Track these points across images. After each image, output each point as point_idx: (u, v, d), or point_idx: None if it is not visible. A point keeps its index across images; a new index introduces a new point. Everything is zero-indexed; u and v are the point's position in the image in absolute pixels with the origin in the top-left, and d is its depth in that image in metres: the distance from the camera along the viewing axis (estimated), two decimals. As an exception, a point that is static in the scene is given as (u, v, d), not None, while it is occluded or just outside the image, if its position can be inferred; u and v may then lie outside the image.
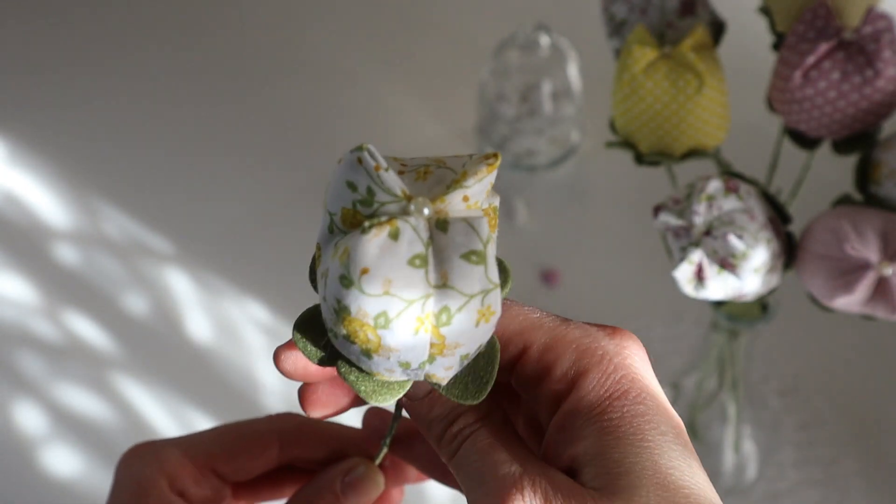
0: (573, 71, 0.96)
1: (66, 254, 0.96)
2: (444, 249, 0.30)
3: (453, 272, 0.30)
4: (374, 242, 0.30)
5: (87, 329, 0.91)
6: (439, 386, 0.34)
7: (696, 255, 0.53)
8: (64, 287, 0.93)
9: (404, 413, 0.38)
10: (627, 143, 0.61)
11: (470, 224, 0.31)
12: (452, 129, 1.03)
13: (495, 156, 0.32)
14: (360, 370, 0.34)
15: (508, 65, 0.96)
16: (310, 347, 0.34)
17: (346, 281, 0.30)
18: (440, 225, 0.31)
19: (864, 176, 0.57)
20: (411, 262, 0.30)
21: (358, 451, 0.45)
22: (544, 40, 0.95)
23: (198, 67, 1.09)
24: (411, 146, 1.02)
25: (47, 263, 0.95)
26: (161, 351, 0.90)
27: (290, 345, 0.35)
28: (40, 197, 0.99)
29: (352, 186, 0.32)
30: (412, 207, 0.31)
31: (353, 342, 0.32)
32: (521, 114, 0.96)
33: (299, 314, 0.35)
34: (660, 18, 0.60)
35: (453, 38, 1.10)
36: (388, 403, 0.35)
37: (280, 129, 1.04)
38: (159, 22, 1.13)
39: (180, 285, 0.94)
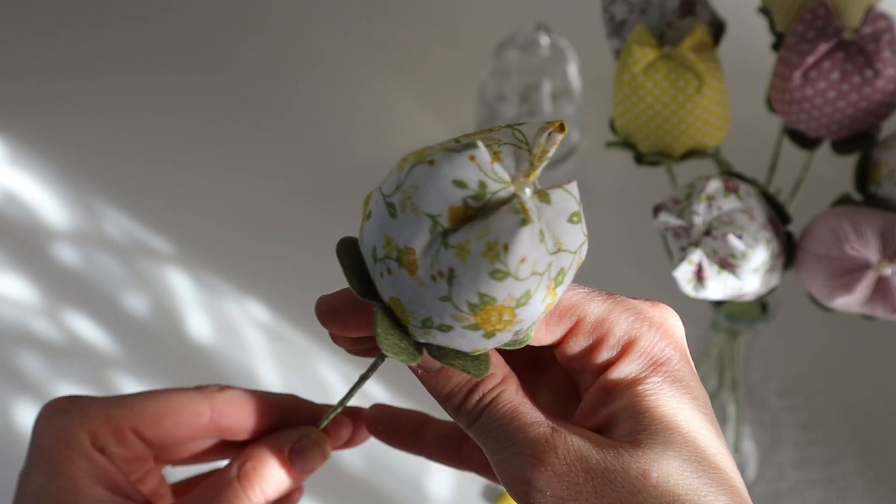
0: (573, 71, 0.96)
1: (67, 254, 0.96)
2: (552, 219, 0.33)
3: (564, 236, 0.33)
4: (527, 231, 0.31)
5: (87, 329, 0.91)
6: (517, 343, 0.36)
7: (696, 255, 0.53)
8: (64, 287, 0.94)
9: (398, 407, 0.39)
10: (627, 144, 0.61)
11: (566, 190, 0.34)
12: (452, 130, 1.03)
13: (560, 125, 0.33)
14: (390, 323, 0.35)
15: (508, 65, 0.96)
16: (354, 281, 0.37)
17: (501, 273, 0.31)
18: (542, 198, 0.33)
19: (864, 176, 0.58)
20: (539, 238, 0.32)
21: (296, 422, 0.44)
22: (544, 40, 0.95)
23: (198, 68, 1.09)
24: (411, 146, 1.02)
25: (47, 263, 0.95)
26: (161, 351, 0.90)
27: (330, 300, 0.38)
28: (41, 197, 1.00)
29: (461, 184, 0.32)
30: (523, 190, 0.33)
31: (477, 329, 0.33)
32: (520, 114, 0.96)
33: (339, 242, 0.38)
34: (660, 18, 0.60)
35: (453, 38, 1.10)
36: (400, 361, 0.36)
37: (280, 129, 1.04)
38: (160, 22, 1.13)
39: (180, 285, 0.94)
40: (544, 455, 0.34)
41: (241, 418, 0.42)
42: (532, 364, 0.41)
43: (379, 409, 0.46)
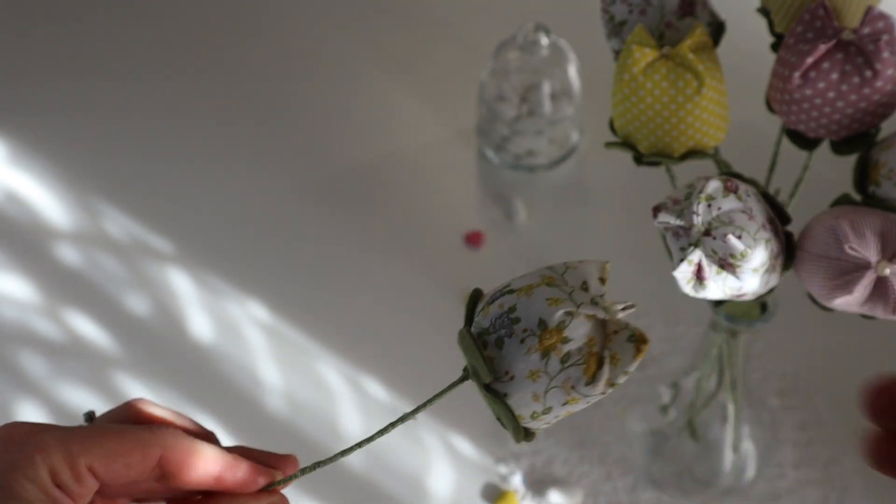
0: (573, 71, 0.96)
1: (68, 253, 0.96)
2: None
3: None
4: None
5: (88, 328, 0.91)
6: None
7: (696, 256, 0.53)
8: (65, 286, 0.94)
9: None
10: (627, 144, 0.61)
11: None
12: (452, 130, 1.03)
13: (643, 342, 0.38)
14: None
15: (508, 65, 0.96)
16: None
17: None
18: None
19: (863, 176, 0.58)
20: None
21: (245, 482, 0.45)
22: (544, 41, 0.95)
23: (198, 68, 1.09)
24: (412, 146, 1.03)
25: (49, 263, 0.95)
26: (162, 350, 0.90)
27: None
28: (42, 197, 1.00)
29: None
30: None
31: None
32: (520, 114, 0.96)
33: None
34: (659, 19, 0.61)
35: (453, 38, 1.10)
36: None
37: (281, 128, 1.04)
38: (159, 22, 1.13)
39: (181, 285, 0.94)
40: None
41: (187, 465, 0.43)
42: None
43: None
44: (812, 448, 0.84)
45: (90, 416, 0.46)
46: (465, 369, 0.41)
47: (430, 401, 0.43)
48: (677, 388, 0.78)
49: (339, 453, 0.45)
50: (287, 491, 0.82)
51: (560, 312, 0.38)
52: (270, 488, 0.46)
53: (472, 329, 0.40)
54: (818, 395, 0.87)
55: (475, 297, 0.42)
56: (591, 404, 0.39)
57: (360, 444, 0.44)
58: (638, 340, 0.38)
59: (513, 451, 0.84)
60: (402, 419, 0.43)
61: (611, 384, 0.38)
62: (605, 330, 0.39)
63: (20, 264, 0.95)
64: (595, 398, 0.39)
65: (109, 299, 0.93)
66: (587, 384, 0.38)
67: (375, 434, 0.43)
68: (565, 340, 0.38)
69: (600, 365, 0.38)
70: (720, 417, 0.76)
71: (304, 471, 0.46)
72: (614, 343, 0.38)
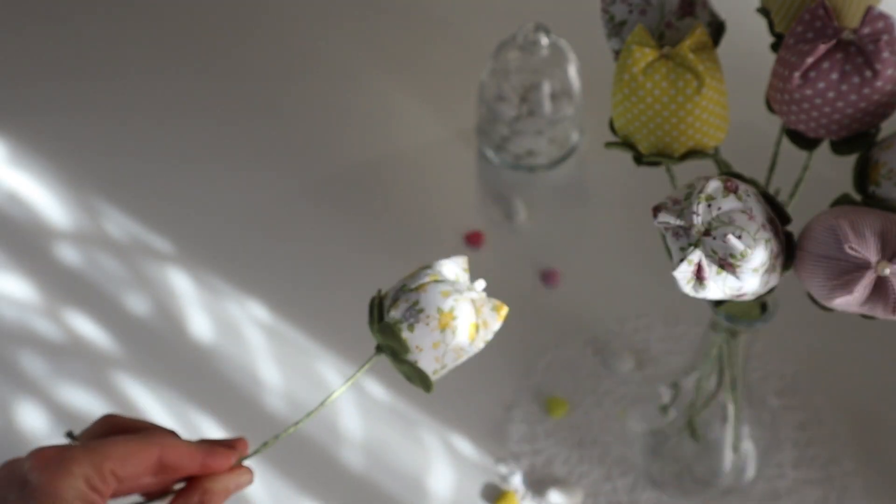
0: (573, 71, 0.96)
1: (68, 253, 0.96)
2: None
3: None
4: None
5: (88, 328, 0.91)
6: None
7: (696, 256, 0.53)
8: (65, 286, 0.94)
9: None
10: (627, 144, 0.61)
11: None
12: (452, 130, 1.03)
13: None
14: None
15: (508, 65, 0.96)
16: None
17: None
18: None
19: (863, 176, 0.58)
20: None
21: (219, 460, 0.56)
22: (544, 41, 0.95)
23: (199, 68, 1.09)
24: (412, 146, 1.03)
25: (49, 263, 0.95)
26: (162, 350, 0.90)
27: None
28: (42, 197, 1.00)
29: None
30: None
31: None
32: (520, 114, 0.96)
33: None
34: (659, 19, 0.61)
35: (453, 39, 1.10)
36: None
37: (281, 128, 1.04)
38: (160, 22, 1.13)
39: (181, 285, 0.94)
40: None
41: (179, 458, 0.54)
42: None
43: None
44: (812, 448, 0.84)
45: (71, 434, 0.56)
46: (377, 347, 0.57)
47: (353, 376, 0.58)
48: (677, 388, 0.78)
49: (292, 425, 0.57)
50: (287, 491, 0.83)
51: (450, 300, 0.55)
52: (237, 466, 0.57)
53: (389, 320, 0.56)
54: (818, 395, 0.87)
55: (381, 297, 0.57)
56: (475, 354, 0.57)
57: (308, 415, 0.57)
58: (497, 309, 0.57)
59: (513, 452, 0.84)
60: (331, 396, 0.57)
61: (485, 341, 0.57)
62: (476, 305, 0.56)
63: (20, 264, 0.95)
64: (476, 351, 0.57)
65: (109, 299, 0.93)
66: (470, 345, 0.56)
67: (318, 405, 0.57)
68: (455, 318, 0.55)
69: (477, 330, 0.56)
70: (720, 417, 0.76)
71: (266, 444, 0.57)
72: (483, 313, 0.56)
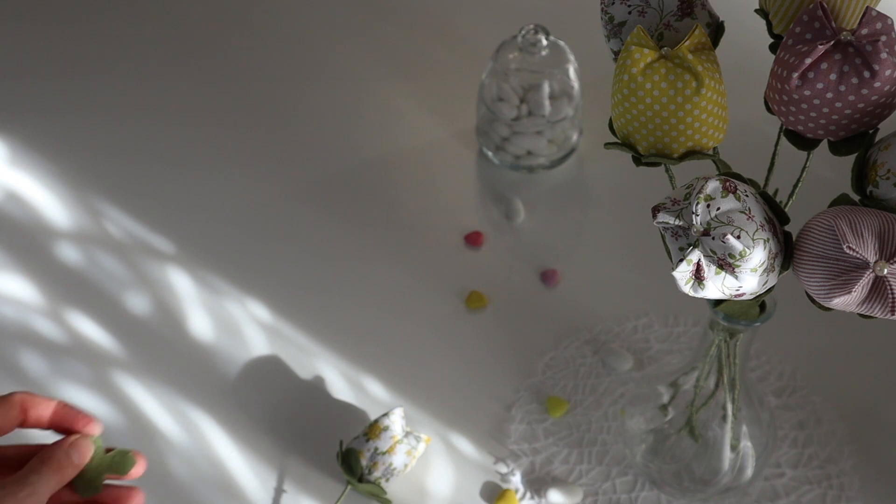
0: (572, 72, 0.96)
1: (68, 253, 0.96)
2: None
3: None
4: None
5: (88, 328, 0.91)
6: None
7: (695, 255, 0.53)
8: (66, 286, 0.94)
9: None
10: (626, 144, 0.61)
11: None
12: (453, 130, 1.04)
13: None
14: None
15: (508, 66, 0.96)
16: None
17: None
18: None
19: (862, 176, 0.58)
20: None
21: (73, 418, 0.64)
22: (544, 42, 0.95)
23: (200, 70, 1.09)
24: (412, 147, 1.03)
25: (49, 263, 0.96)
26: (162, 350, 0.90)
27: None
28: (42, 196, 1.00)
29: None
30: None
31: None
32: (520, 115, 0.96)
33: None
34: (658, 20, 0.61)
35: (453, 39, 1.11)
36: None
37: (281, 129, 1.05)
38: (161, 23, 1.13)
39: (181, 284, 0.94)
40: None
41: (39, 413, 0.63)
42: None
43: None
44: (810, 447, 0.84)
45: None
46: (347, 482, 0.81)
47: None
48: (676, 387, 0.78)
49: None
50: (289, 492, 0.82)
51: (407, 454, 0.81)
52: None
53: (372, 479, 0.79)
54: (816, 395, 0.87)
55: (354, 455, 0.80)
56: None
57: None
58: (426, 440, 0.82)
59: (512, 451, 0.84)
60: None
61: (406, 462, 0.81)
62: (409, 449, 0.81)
63: (20, 264, 0.95)
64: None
65: (109, 299, 0.93)
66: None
67: None
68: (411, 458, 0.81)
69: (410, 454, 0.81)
70: (719, 417, 0.76)
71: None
72: (409, 440, 0.81)
